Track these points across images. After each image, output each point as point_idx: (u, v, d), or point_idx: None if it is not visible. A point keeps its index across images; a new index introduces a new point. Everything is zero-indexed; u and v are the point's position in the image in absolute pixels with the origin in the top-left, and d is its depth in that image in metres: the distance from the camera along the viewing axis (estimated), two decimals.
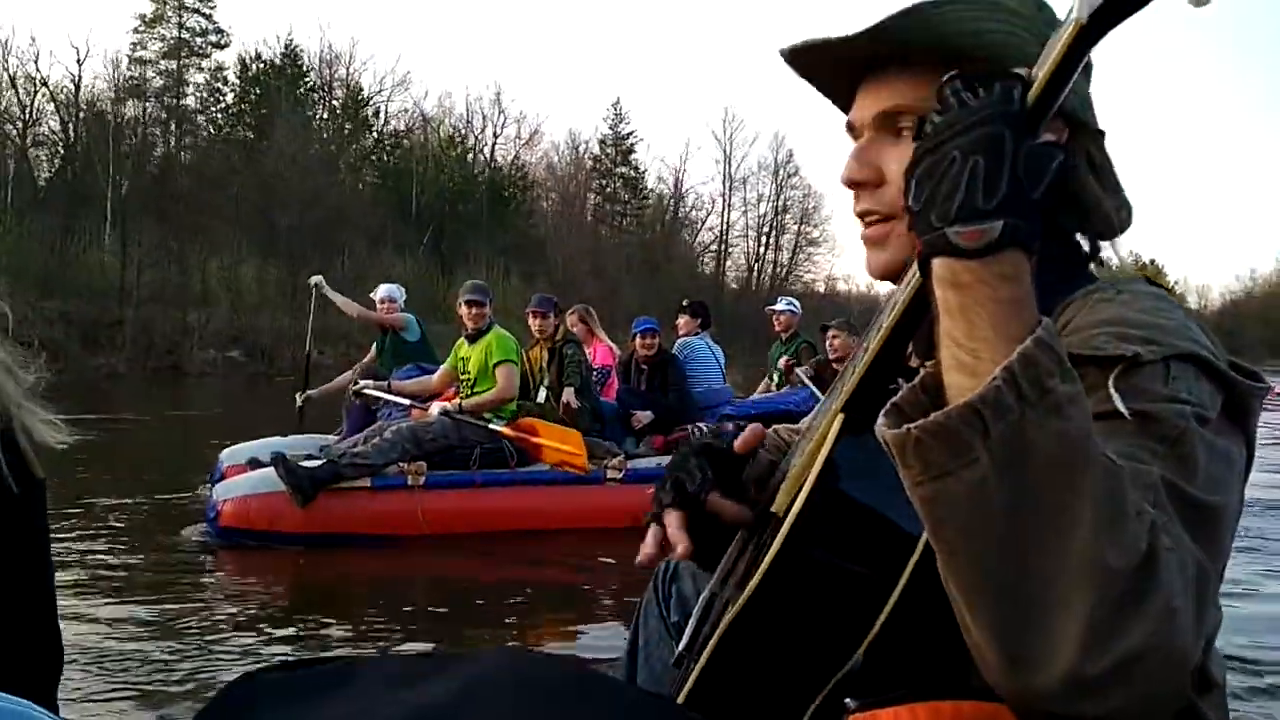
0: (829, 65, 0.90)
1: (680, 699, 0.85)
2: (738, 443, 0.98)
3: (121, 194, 24.26)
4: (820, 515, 0.75)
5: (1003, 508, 0.58)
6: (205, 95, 30.93)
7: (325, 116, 33.27)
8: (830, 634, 0.74)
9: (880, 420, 0.62)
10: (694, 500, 0.91)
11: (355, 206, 29.32)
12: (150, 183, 25.90)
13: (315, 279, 6.52)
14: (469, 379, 5.14)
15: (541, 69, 65.89)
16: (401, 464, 4.81)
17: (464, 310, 5.21)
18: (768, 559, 0.75)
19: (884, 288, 0.92)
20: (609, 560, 4.53)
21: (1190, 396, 0.70)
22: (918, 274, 0.68)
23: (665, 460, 5.66)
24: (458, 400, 5.08)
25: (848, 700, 0.70)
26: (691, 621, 0.94)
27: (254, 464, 4.89)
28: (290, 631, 3.34)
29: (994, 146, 0.59)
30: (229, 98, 31.62)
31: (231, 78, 31.59)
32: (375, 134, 34.37)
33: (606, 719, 0.71)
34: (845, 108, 0.93)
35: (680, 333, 6.91)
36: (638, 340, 6.14)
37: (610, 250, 36.54)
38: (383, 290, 6.45)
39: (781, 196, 41.72)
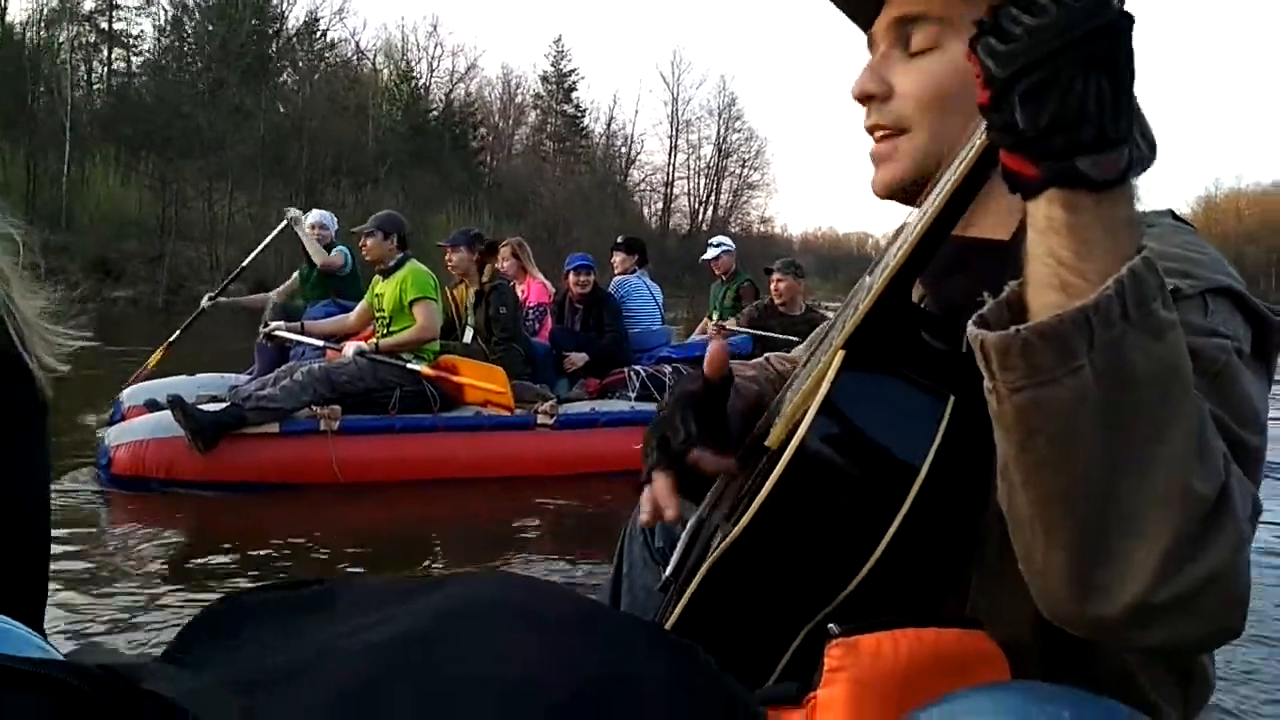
0: None
1: (668, 625, 0.87)
2: (706, 367, 0.98)
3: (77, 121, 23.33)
4: (818, 451, 0.76)
5: (1098, 423, 0.58)
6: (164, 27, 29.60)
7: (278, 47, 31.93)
8: (821, 567, 0.76)
9: (971, 328, 0.62)
10: (680, 457, 0.92)
11: (323, 142, 28.49)
12: (110, 109, 25.10)
13: (292, 211, 6.23)
14: (384, 317, 4.94)
15: (479, 2, 63.34)
16: (314, 407, 4.55)
17: (363, 242, 5.00)
18: (763, 493, 0.76)
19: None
20: (540, 510, 4.40)
21: (1227, 330, 0.72)
22: (934, 207, 0.70)
23: (599, 405, 5.33)
24: (374, 340, 4.81)
25: (831, 626, 0.72)
26: (678, 548, 0.96)
27: (152, 406, 4.59)
28: (185, 586, 3.20)
29: (1114, 62, 0.55)
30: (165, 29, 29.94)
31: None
32: (327, 67, 32.80)
33: (594, 643, 0.72)
34: (868, 27, 0.93)
35: (616, 271, 6.70)
36: (571, 278, 5.96)
37: (556, 187, 35.83)
38: (314, 215, 6.17)
39: (726, 140, 40.68)
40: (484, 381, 4.81)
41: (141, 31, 30.01)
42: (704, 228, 37.69)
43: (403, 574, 2.89)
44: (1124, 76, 0.56)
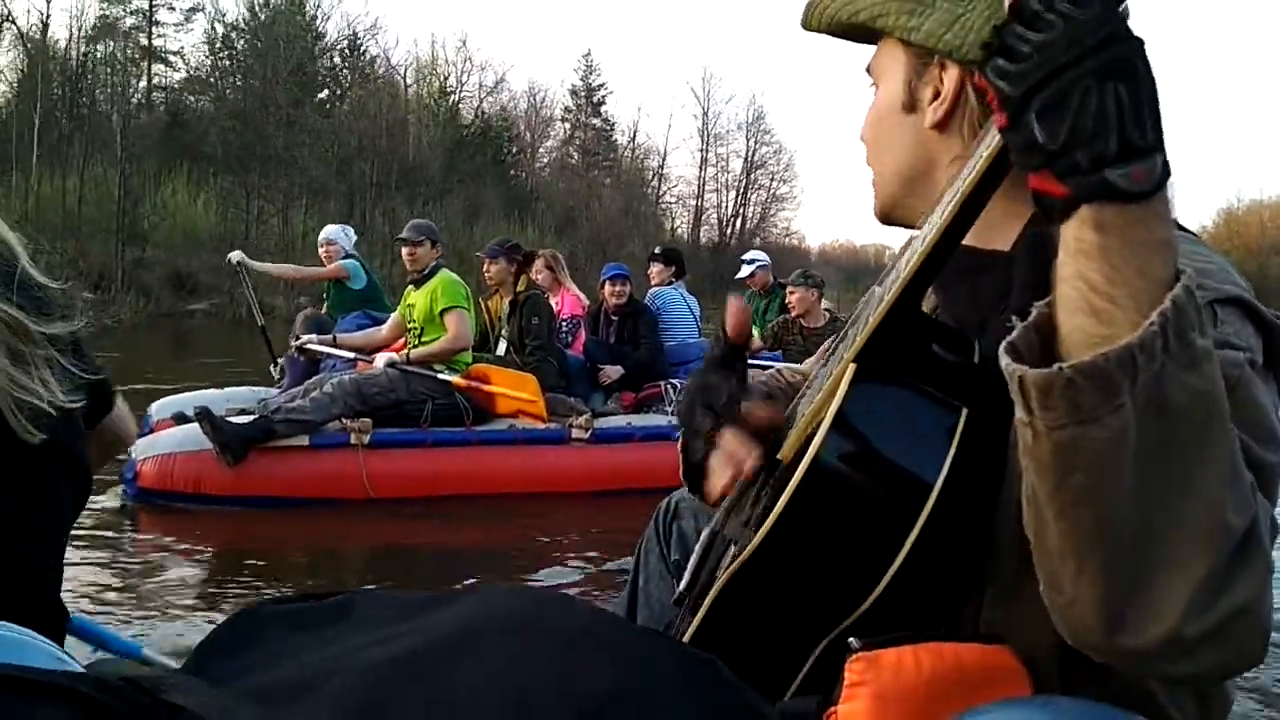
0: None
1: (686, 639, 0.87)
2: (729, 324, 0.99)
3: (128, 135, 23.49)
4: (832, 466, 0.76)
5: (1136, 458, 0.58)
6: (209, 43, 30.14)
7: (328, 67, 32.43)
8: (837, 582, 0.76)
9: (1004, 361, 0.61)
10: (730, 410, 0.91)
11: (383, 158, 28.85)
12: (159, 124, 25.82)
13: (234, 255, 6.04)
14: (415, 328, 4.90)
15: (508, 19, 63.98)
16: (344, 420, 4.51)
17: (403, 252, 4.96)
18: (777, 509, 0.76)
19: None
20: (575, 526, 4.33)
21: (1240, 341, 0.72)
22: (942, 220, 0.71)
23: (635, 419, 5.12)
24: (405, 351, 4.79)
25: (851, 640, 0.72)
26: (692, 561, 0.97)
27: (180, 419, 4.52)
28: (211, 603, 3.19)
29: (1128, 70, 0.55)
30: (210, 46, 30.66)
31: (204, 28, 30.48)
32: (371, 84, 33.05)
33: (610, 655, 0.72)
34: None
35: (653, 282, 6.62)
36: (606, 288, 5.89)
37: (609, 203, 36.14)
38: (325, 233, 5.84)
39: (754, 153, 40.88)
40: (516, 390, 4.77)
41: (181, 49, 30.74)
42: (732, 241, 37.61)
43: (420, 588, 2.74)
44: (1143, 83, 0.55)
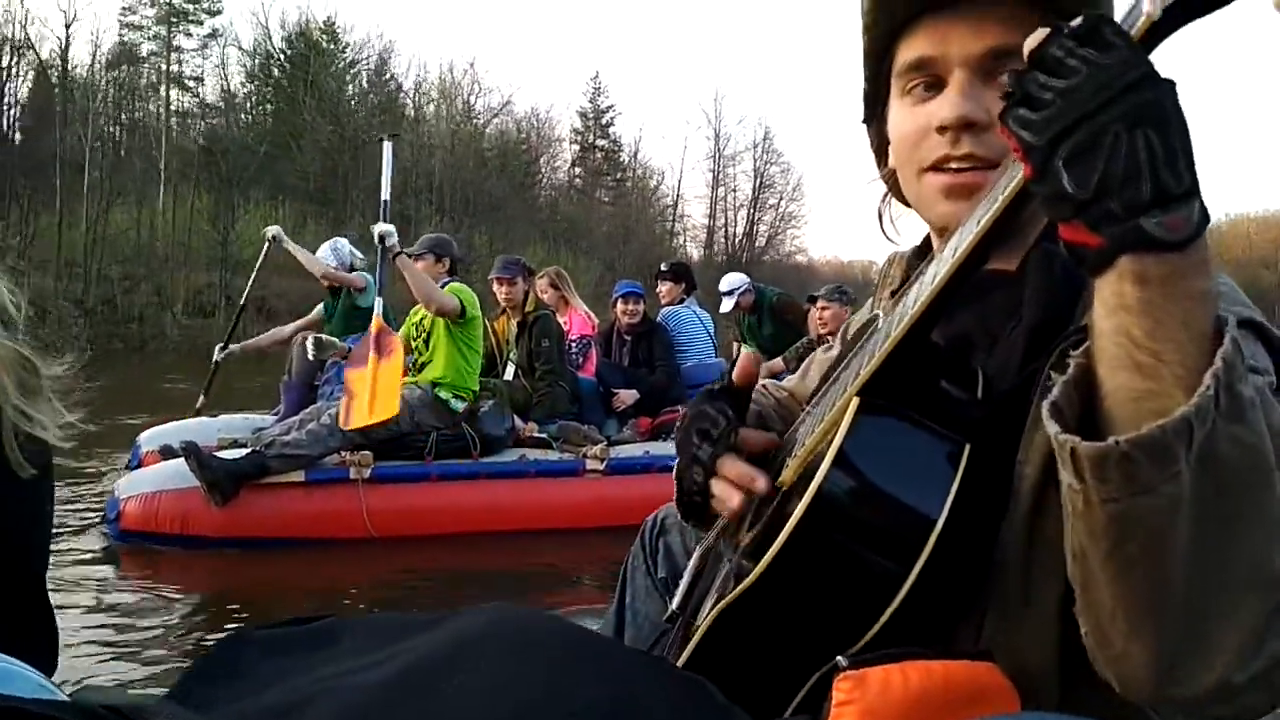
0: None
1: (680, 662, 0.89)
2: (736, 373, 1.00)
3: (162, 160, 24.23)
4: (834, 500, 0.77)
5: (1191, 521, 0.58)
6: (249, 70, 30.91)
7: (353, 90, 33.05)
8: (838, 613, 0.77)
9: (1051, 427, 0.60)
10: (726, 439, 0.93)
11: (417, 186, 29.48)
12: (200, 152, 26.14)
13: (273, 230, 5.88)
14: (420, 343, 4.64)
15: (516, 43, 64.12)
16: (343, 454, 4.30)
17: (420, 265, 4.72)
18: (780, 540, 0.78)
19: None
20: (590, 564, 4.15)
21: (1259, 364, 0.70)
22: (963, 251, 0.70)
23: (652, 447, 4.69)
24: (409, 377, 4.51)
25: (839, 659, 0.74)
26: (684, 580, 0.99)
27: (166, 452, 4.19)
28: (197, 653, 2.94)
29: (1159, 115, 0.54)
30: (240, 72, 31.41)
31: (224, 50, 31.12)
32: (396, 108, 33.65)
33: (596, 674, 0.73)
34: (881, 36, 0.92)
35: (664, 300, 6.43)
36: (619, 306, 5.74)
37: (598, 221, 36.53)
38: (319, 253, 5.45)
39: (762, 173, 41.33)
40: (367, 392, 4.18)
41: (202, 75, 31.18)
42: (744, 259, 37.69)
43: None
44: (1175, 127, 0.54)
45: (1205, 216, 0.55)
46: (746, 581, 0.81)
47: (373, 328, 4.37)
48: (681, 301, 6.29)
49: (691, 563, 1.00)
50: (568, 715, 0.67)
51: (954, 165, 0.87)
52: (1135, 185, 0.53)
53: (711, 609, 0.87)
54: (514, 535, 4.43)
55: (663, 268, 6.62)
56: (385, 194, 4.57)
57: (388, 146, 4.67)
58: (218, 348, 5.75)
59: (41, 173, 20.25)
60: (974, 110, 0.85)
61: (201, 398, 5.73)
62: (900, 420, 0.79)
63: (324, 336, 4.75)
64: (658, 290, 6.50)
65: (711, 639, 0.87)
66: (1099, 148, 0.54)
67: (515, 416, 4.84)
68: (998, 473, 0.75)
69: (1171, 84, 0.55)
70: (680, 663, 0.88)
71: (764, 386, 1.20)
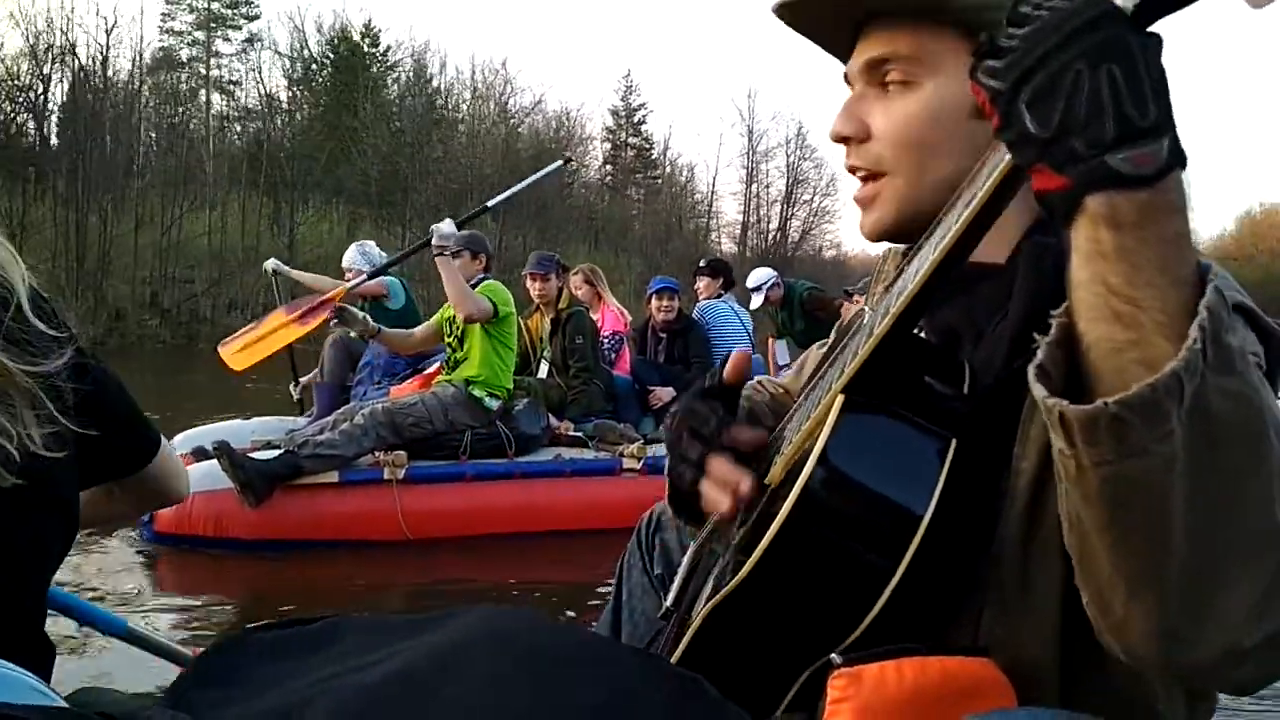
0: (829, 18, 0.91)
1: (673, 659, 0.90)
2: (727, 371, 0.99)
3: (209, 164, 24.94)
4: (820, 498, 0.77)
5: (1188, 480, 0.57)
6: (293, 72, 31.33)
7: (396, 92, 33.39)
8: (828, 609, 0.78)
9: (1038, 390, 0.59)
10: (716, 437, 0.92)
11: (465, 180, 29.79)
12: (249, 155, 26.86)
13: (271, 264, 5.85)
14: (454, 340, 4.55)
15: (548, 43, 64.40)
16: (377, 454, 4.25)
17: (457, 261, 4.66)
18: (767, 538, 0.78)
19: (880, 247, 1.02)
20: None
21: (1250, 348, 0.69)
22: (945, 245, 0.70)
23: None
24: (442, 375, 4.50)
25: (833, 656, 0.75)
26: (678, 577, 0.99)
27: (199, 454, 4.17)
28: None
29: (1122, 50, 0.53)
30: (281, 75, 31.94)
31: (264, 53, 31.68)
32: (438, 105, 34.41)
33: (594, 674, 0.73)
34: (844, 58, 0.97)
35: (701, 296, 6.44)
36: (654, 302, 5.70)
37: (632, 219, 37.21)
38: (345, 258, 5.53)
39: (796, 170, 41.67)
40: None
41: (240, 79, 31.87)
42: (778, 254, 37.63)
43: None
44: (1140, 62, 0.54)
45: (1177, 152, 0.54)
46: (736, 578, 0.81)
47: (332, 294, 4.53)
48: (719, 296, 6.26)
49: (686, 559, 1.01)
50: (564, 713, 0.68)
51: (854, 175, 0.92)
52: (1098, 121, 0.53)
53: (704, 605, 0.88)
54: (549, 535, 4.39)
55: (701, 263, 6.65)
56: (495, 200, 4.80)
57: (556, 165, 4.83)
58: (292, 386, 5.57)
59: (86, 177, 20.54)
60: (843, 126, 0.90)
61: (293, 386, 5.59)
62: (885, 417, 0.79)
63: (347, 309, 4.62)
64: (695, 286, 6.50)
65: (705, 635, 0.88)
66: (1059, 86, 0.54)
67: (550, 415, 4.81)
68: (986, 467, 0.76)
69: (1130, 18, 0.54)
70: (675, 659, 0.89)
71: (760, 383, 1.22)
